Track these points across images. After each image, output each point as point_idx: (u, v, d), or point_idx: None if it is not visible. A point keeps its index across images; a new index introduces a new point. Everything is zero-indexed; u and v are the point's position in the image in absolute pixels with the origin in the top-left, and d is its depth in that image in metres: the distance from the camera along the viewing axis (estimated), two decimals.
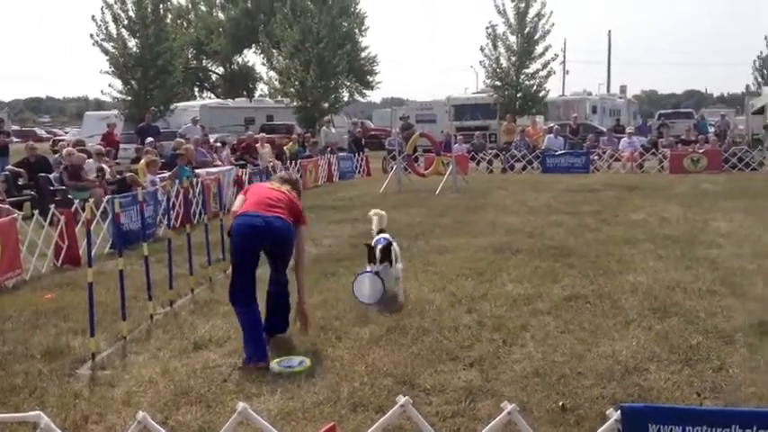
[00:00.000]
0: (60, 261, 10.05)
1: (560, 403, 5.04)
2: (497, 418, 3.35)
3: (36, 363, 6.03)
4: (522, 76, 36.33)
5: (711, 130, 33.91)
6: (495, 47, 36.47)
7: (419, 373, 5.66)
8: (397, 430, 4.59)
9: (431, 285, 8.53)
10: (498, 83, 36.30)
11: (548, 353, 6.10)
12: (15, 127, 63.95)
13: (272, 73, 45.15)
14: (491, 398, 5.20)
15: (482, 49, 36.65)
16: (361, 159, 26.91)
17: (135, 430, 3.02)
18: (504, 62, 36.44)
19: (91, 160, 16.68)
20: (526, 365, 5.82)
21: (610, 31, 71.27)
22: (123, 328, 6.51)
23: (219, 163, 20.83)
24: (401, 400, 3.20)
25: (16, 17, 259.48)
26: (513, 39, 36.23)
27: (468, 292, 8.12)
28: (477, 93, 42.24)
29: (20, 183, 15.95)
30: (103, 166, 16.72)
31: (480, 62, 36.95)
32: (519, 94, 36.18)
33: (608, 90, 60.75)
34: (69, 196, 14.24)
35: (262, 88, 58.50)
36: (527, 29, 35.95)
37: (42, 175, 15.73)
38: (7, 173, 16.49)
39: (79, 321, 6.91)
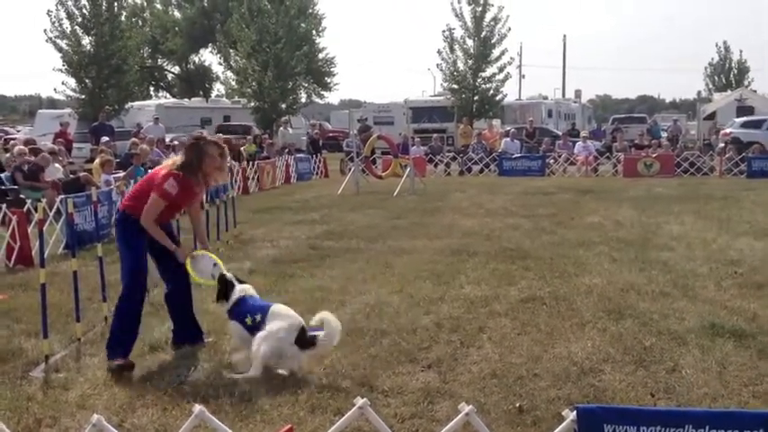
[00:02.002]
0: (12, 261, 9.86)
1: (517, 404, 5.09)
2: (455, 420, 3.39)
3: None
4: (478, 80, 36.68)
5: (664, 134, 34.54)
6: (452, 50, 36.77)
7: (377, 375, 5.67)
8: (355, 431, 4.59)
9: (389, 287, 8.55)
10: (455, 86, 36.59)
11: (505, 354, 6.16)
12: None
13: (229, 73, 45.00)
14: (449, 399, 5.23)
15: (439, 53, 36.95)
16: (319, 161, 26.87)
17: None
18: (461, 65, 36.75)
19: (57, 165, 16.38)
20: (483, 367, 5.87)
21: (565, 36, 72.63)
22: (77, 330, 6.41)
23: None
24: (359, 401, 3.21)
25: None
26: (470, 42, 36.57)
27: (426, 294, 8.16)
28: (435, 96, 42.48)
29: None
30: (56, 164, 16.44)
31: (438, 65, 37.26)
32: (476, 98, 36.51)
33: (563, 94, 61.66)
34: (21, 196, 13.97)
35: (218, 88, 58.15)
36: (484, 33, 36.31)
37: None
38: None
39: (32, 323, 6.77)
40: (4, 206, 10.55)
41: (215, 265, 6.18)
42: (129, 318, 5.93)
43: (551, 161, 26.42)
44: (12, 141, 24.19)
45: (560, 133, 31.96)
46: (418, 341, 6.51)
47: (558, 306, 7.61)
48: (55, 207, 11.30)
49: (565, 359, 6.00)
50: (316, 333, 5.72)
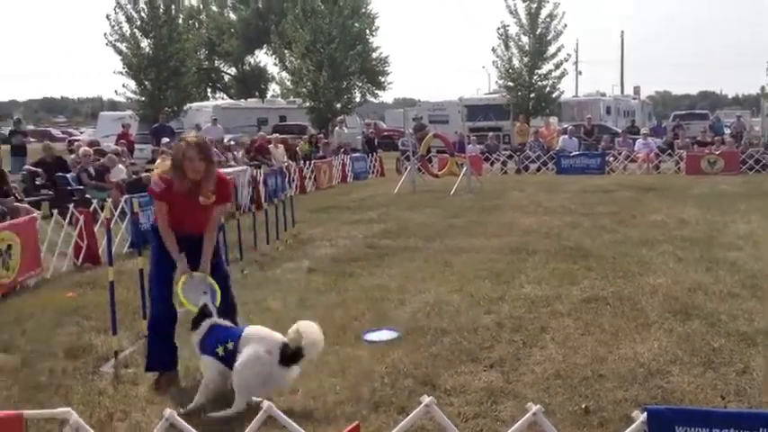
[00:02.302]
0: (80, 260, 10.10)
1: (583, 405, 5.03)
2: (522, 420, 3.34)
3: (60, 361, 6.07)
4: (534, 77, 36.26)
5: (727, 131, 33.73)
6: (507, 47, 36.42)
7: (439, 374, 5.66)
8: (419, 430, 4.58)
9: (448, 286, 8.52)
10: (511, 83, 36.24)
11: (568, 355, 6.09)
12: (31, 127, 64.41)
13: (284, 73, 45.38)
14: (513, 399, 5.19)
15: (494, 50, 36.63)
16: (375, 160, 26.91)
17: (162, 428, 3.03)
18: (516, 63, 36.38)
19: (121, 166, 16.73)
20: (547, 367, 5.81)
21: (623, 32, 71.24)
22: (144, 327, 6.52)
23: (233, 163, 20.88)
24: (425, 399, 3.19)
25: (31, 17, 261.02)
26: (525, 39, 36.16)
27: (485, 293, 8.11)
28: (490, 93, 42.17)
29: (37, 182, 16.02)
30: (120, 165, 16.79)
31: (492, 63, 36.94)
32: (532, 95, 36.10)
33: (621, 91, 60.59)
34: (87, 196, 14.31)
35: (274, 89, 58.71)
36: (539, 29, 35.87)
37: (60, 174, 15.80)
38: (25, 172, 16.59)
39: (101, 320, 6.93)
40: (71, 206, 10.81)
41: (204, 293, 5.54)
42: None
43: (611, 159, 26.00)
44: (76, 143, 24.84)
45: (619, 130, 31.43)
46: (480, 340, 6.48)
47: (623, 306, 7.49)
48: (120, 207, 11.54)
49: (631, 360, 5.90)
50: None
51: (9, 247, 8.63)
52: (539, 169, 26.30)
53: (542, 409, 3.24)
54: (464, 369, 5.80)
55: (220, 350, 5.13)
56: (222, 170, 16.91)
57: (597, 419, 4.83)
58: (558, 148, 27.28)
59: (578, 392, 5.27)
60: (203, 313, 5.37)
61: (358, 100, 45.25)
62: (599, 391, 5.29)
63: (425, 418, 4.20)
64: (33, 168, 16.50)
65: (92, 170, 15.82)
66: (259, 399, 4.85)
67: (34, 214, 10.36)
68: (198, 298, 5.44)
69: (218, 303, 5.52)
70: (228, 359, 5.09)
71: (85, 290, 8.63)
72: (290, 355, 5.06)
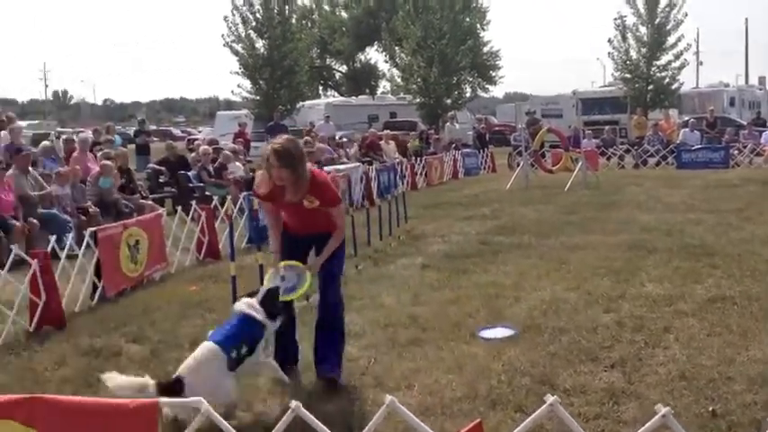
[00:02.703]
0: (202, 255, 10.46)
1: (710, 408, 4.83)
2: (650, 422, 3.21)
3: (186, 352, 6.23)
4: (653, 68, 35.22)
5: None
6: (624, 38, 35.50)
7: (558, 373, 5.56)
8: (538, 429, 4.51)
9: (564, 284, 8.36)
10: (628, 75, 35.29)
11: (693, 356, 5.86)
12: (153, 127, 67.24)
13: (395, 70, 45.61)
14: (635, 400, 5.05)
15: (610, 42, 35.74)
16: (487, 156, 26.69)
17: (288, 418, 3.09)
18: (633, 54, 35.43)
19: (238, 163, 17.24)
20: (671, 368, 5.61)
21: (747, 19, 67.97)
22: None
23: (345, 160, 21.16)
24: (549, 399, 3.13)
25: (152, 22, 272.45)
26: (643, 30, 35.13)
27: (604, 292, 7.91)
28: (606, 86, 41.12)
29: (161, 180, 16.72)
30: (237, 163, 17.30)
31: (608, 54, 36.07)
32: (650, 87, 35.05)
33: (746, 81, 57.74)
34: (207, 193, 14.83)
35: (384, 85, 59.10)
36: (658, 19, 34.80)
37: (182, 172, 16.43)
38: (149, 170, 17.34)
39: (223, 313, 7.10)
40: (193, 203, 11.21)
41: (282, 278, 5.42)
42: None
43: (735, 152, 24.84)
44: (196, 142, 25.76)
45: (744, 123, 30.02)
46: (599, 340, 6.32)
47: (751, 306, 7.15)
48: (239, 203, 11.89)
49: (761, 362, 5.63)
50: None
51: (137, 242, 9.03)
52: (658, 164, 25.42)
53: (672, 411, 3.12)
54: (583, 369, 5.67)
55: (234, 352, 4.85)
56: (334, 167, 17.29)
57: (725, 423, 4.63)
58: (678, 142, 26.30)
59: (704, 395, 5.07)
60: (253, 293, 5.28)
61: (468, 95, 45.07)
62: (727, 393, 5.07)
63: (545, 418, 4.13)
64: (157, 167, 17.22)
65: (211, 168, 16.37)
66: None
67: (159, 211, 10.79)
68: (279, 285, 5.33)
69: (297, 295, 5.45)
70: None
71: (207, 283, 8.92)
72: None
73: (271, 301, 5.18)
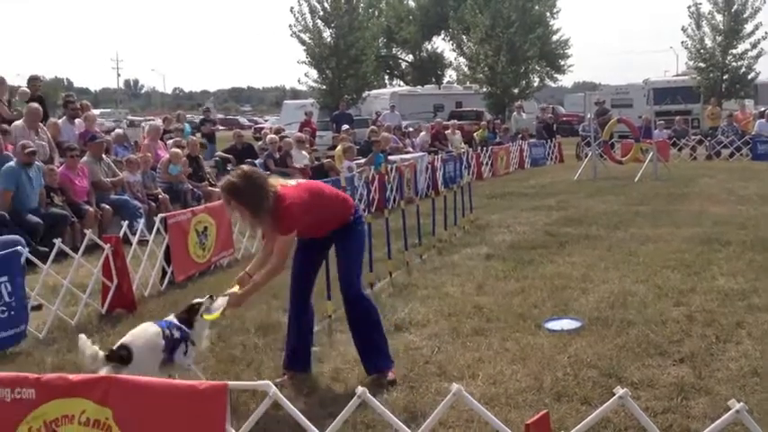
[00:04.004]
0: None
1: None
2: (723, 417, 3.12)
3: (251, 336, 6.40)
4: (728, 57, 34.19)
5: None
6: (698, 26, 34.56)
7: (625, 367, 5.46)
8: (604, 422, 4.44)
9: (633, 276, 8.20)
10: (702, 64, 34.36)
11: (767, 351, 5.69)
12: (220, 115, 68.42)
13: (462, 59, 45.33)
14: (705, 396, 4.93)
15: (684, 30, 34.83)
16: (554, 146, 26.32)
17: (354, 404, 3.11)
18: (708, 42, 34.46)
19: (304, 152, 17.40)
20: (743, 364, 5.46)
21: None
22: (329, 308, 6.74)
23: (410, 150, 21.16)
24: (619, 392, 3.07)
25: (222, 15, 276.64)
26: (719, 18, 34.13)
27: (674, 285, 7.73)
28: (679, 75, 40.12)
29: (228, 168, 16.95)
30: (303, 152, 17.45)
31: (682, 43, 35.19)
32: (725, 77, 34.07)
33: None
34: None
35: (450, 75, 58.83)
36: (735, 6, 33.75)
37: (249, 160, 16.63)
38: (217, 158, 17.62)
39: (287, 299, 7.20)
40: None
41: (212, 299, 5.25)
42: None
43: None
44: (262, 130, 26.07)
45: None
46: (668, 333, 6.19)
47: None
48: None
49: None
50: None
51: (206, 228, 9.19)
52: (732, 155, 24.68)
53: (746, 407, 3.03)
54: (651, 363, 5.56)
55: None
56: (401, 156, 17.26)
57: None
58: (753, 133, 25.48)
59: None
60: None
61: (536, 84, 44.51)
62: None
63: (612, 411, 4.06)
64: (225, 155, 17.49)
65: (277, 156, 16.54)
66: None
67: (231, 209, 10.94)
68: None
69: (208, 317, 5.12)
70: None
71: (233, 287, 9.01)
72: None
73: (186, 313, 5.09)
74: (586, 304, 7.16)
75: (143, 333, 4.85)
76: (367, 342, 5.43)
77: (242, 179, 5.03)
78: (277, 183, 5.21)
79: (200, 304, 5.09)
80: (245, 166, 5.44)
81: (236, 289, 5.24)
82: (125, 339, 4.80)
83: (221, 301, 5.15)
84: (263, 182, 5.08)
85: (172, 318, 5.08)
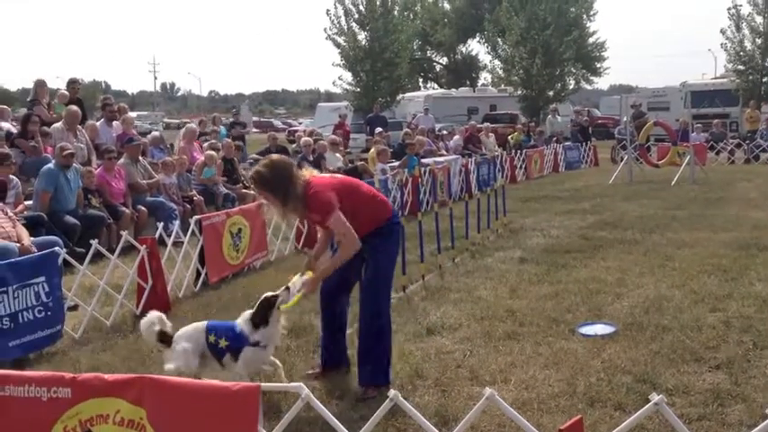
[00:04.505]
0: (301, 244, 10.64)
1: None
2: (761, 425, 3.07)
3: (284, 338, 6.41)
4: None
5: None
6: (738, 29, 33.99)
7: (659, 373, 5.39)
8: (638, 428, 4.39)
9: (669, 281, 8.10)
10: (741, 67, 33.80)
11: None
12: (255, 118, 68.92)
13: (497, 62, 45.08)
14: (742, 403, 4.85)
15: (723, 32, 34.31)
16: (589, 149, 26.10)
17: (386, 407, 3.11)
18: (748, 45, 33.89)
19: (338, 155, 17.43)
20: None
21: None
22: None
23: (444, 152, 21.11)
24: (655, 398, 3.04)
25: (258, 19, 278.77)
26: (759, 20, 33.55)
27: (711, 290, 7.62)
28: (717, 78, 39.53)
29: None
30: (337, 154, 17.49)
31: (721, 45, 34.64)
32: (765, 80, 33.46)
33: None
34: None
35: (485, 77, 58.58)
36: None
37: None
38: (251, 161, 17.74)
39: (318, 300, 7.23)
40: None
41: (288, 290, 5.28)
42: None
43: None
44: (296, 133, 26.21)
45: None
46: (704, 339, 6.10)
47: None
48: None
49: None
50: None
51: (240, 230, 9.26)
52: None
53: None
54: (687, 369, 5.48)
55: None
56: (434, 159, 17.23)
57: None
58: None
59: None
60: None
61: (572, 87, 44.16)
62: None
63: (645, 417, 4.02)
64: (258, 157, 17.59)
65: (311, 158, 16.60)
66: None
67: (261, 200, 11.02)
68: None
69: (285, 306, 5.11)
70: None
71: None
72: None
73: (261, 310, 5.07)
74: (621, 309, 7.09)
75: (188, 327, 5.17)
76: (369, 356, 5.29)
77: (268, 168, 5.09)
78: (309, 173, 5.28)
79: (275, 297, 5.10)
80: (273, 155, 5.49)
81: (309, 274, 5.26)
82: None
83: (296, 288, 5.20)
84: (290, 170, 5.11)
85: (240, 322, 5.07)
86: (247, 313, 5.12)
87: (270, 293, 5.15)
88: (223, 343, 5.00)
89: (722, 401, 4.87)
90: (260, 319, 5.02)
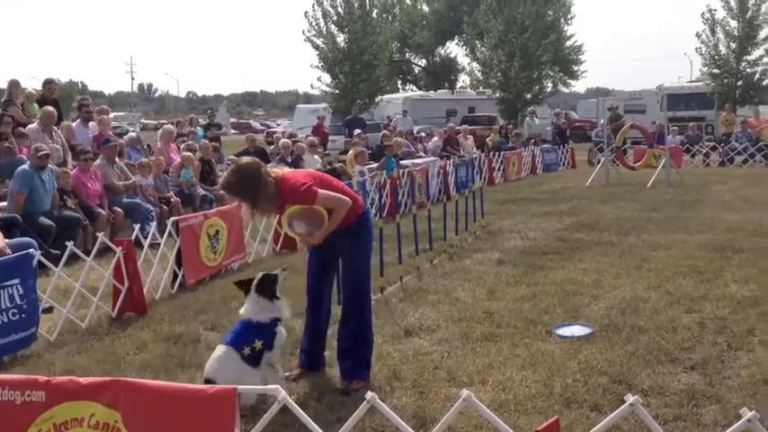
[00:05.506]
0: (279, 246, 10.61)
1: None
2: (735, 425, 3.11)
3: None
4: (742, 64, 34.02)
5: None
6: (713, 33, 34.42)
7: (636, 374, 5.43)
8: (614, 429, 4.41)
9: (645, 282, 8.17)
10: (716, 71, 34.22)
11: None
12: (233, 120, 68.62)
13: (475, 64, 45.35)
14: (716, 403, 4.89)
15: (698, 36, 34.73)
16: (566, 151, 26.26)
17: (363, 409, 3.11)
18: (723, 49, 34.34)
19: (316, 156, 17.39)
20: (755, 371, 5.42)
21: None
22: (338, 312, 6.73)
23: (422, 154, 21.15)
24: (630, 398, 3.06)
25: (236, 20, 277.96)
26: (733, 24, 34.03)
27: (686, 292, 7.69)
28: (693, 81, 39.97)
29: None
30: (315, 156, 17.47)
31: (696, 49, 35.09)
32: (739, 83, 33.90)
33: None
34: None
35: (464, 80, 58.83)
36: (749, 13, 33.59)
37: None
38: (228, 162, 17.65)
39: (298, 303, 7.18)
40: None
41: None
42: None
43: None
44: (275, 134, 26.13)
45: None
46: (679, 340, 6.15)
47: None
48: None
49: None
50: None
51: (217, 232, 9.21)
52: (745, 161, 24.60)
53: (758, 416, 3.01)
54: (662, 369, 5.53)
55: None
56: (413, 161, 17.25)
57: None
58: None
59: None
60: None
61: (549, 90, 44.47)
62: None
63: (621, 418, 4.04)
64: (236, 159, 17.51)
65: (289, 160, 16.56)
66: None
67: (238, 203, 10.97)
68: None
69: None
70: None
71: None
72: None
73: (268, 284, 5.10)
74: (597, 310, 7.14)
75: (221, 362, 4.84)
76: (351, 352, 5.39)
77: (234, 174, 5.11)
78: (281, 170, 5.31)
79: (274, 275, 5.13)
80: (240, 160, 5.43)
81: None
82: (207, 373, 4.86)
83: (300, 229, 5.27)
84: (257, 173, 5.10)
85: (249, 309, 5.04)
86: (253, 299, 5.09)
87: (264, 273, 5.21)
88: (258, 344, 4.93)
89: (697, 402, 4.91)
90: (271, 294, 5.08)
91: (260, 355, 4.93)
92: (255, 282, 5.13)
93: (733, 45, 34.24)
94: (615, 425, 4.34)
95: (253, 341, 4.91)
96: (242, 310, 5.13)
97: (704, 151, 25.76)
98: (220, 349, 4.93)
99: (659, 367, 5.58)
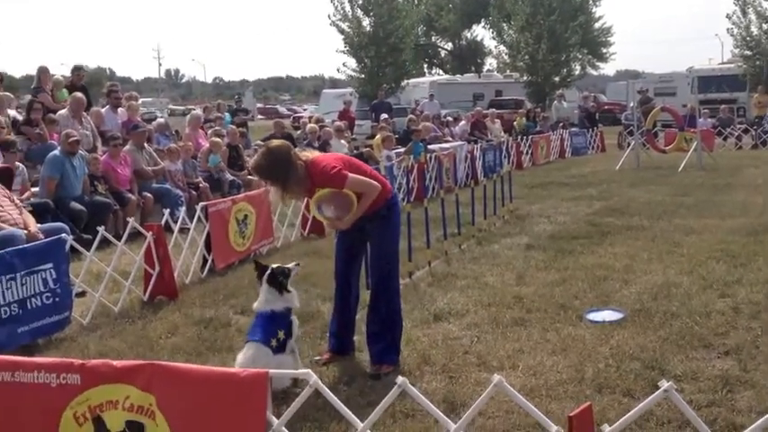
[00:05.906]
0: (307, 231, 10.62)
1: None
2: None
3: None
4: None
5: None
6: (744, 13, 33.83)
7: (668, 359, 5.37)
8: (647, 415, 4.37)
9: (677, 268, 8.07)
10: (748, 52, 33.64)
11: None
12: (260, 105, 68.80)
13: (502, 47, 45.01)
14: (751, 389, 4.83)
15: (729, 17, 34.16)
16: (596, 135, 25.99)
17: (394, 394, 3.10)
18: (754, 30, 33.72)
19: (343, 141, 17.38)
20: None
21: None
22: (366, 297, 6.74)
23: (449, 138, 21.06)
24: (664, 384, 3.02)
25: (261, 5, 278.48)
26: (765, 4, 33.40)
27: (719, 277, 7.58)
28: (724, 63, 39.37)
29: None
30: (342, 141, 17.46)
31: (727, 30, 34.50)
32: None
33: None
34: None
35: (490, 63, 58.42)
36: None
37: None
38: (256, 147, 17.68)
39: (326, 288, 7.20)
40: None
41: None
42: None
43: None
44: (301, 119, 26.16)
45: None
46: (713, 326, 6.07)
47: None
48: None
49: None
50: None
51: (245, 217, 9.25)
52: None
53: None
54: (695, 355, 5.47)
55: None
56: (440, 145, 17.19)
57: None
58: None
59: None
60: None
61: (578, 73, 44.04)
62: None
63: (654, 404, 4.00)
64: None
65: (316, 145, 16.56)
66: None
67: (267, 186, 11.00)
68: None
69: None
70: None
71: (312, 259, 9.00)
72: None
73: (282, 278, 5.13)
74: (629, 295, 7.07)
75: (254, 361, 4.79)
76: (381, 337, 5.39)
77: (264, 157, 5.15)
78: (311, 154, 5.37)
79: (288, 269, 5.17)
80: (270, 143, 5.46)
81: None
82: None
83: (329, 213, 5.34)
84: (287, 155, 5.13)
85: (265, 301, 5.07)
86: (265, 290, 5.11)
87: (277, 265, 5.22)
88: (281, 334, 4.98)
89: (731, 388, 4.85)
90: (281, 287, 5.10)
91: (285, 344, 4.99)
92: (268, 273, 5.14)
93: (765, 26, 33.65)
94: (648, 410, 4.31)
95: (276, 332, 4.96)
96: (256, 304, 5.16)
97: (736, 134, 25.38)
98: (251, 347, 4.94)
99: (692, 353, 5.51)
